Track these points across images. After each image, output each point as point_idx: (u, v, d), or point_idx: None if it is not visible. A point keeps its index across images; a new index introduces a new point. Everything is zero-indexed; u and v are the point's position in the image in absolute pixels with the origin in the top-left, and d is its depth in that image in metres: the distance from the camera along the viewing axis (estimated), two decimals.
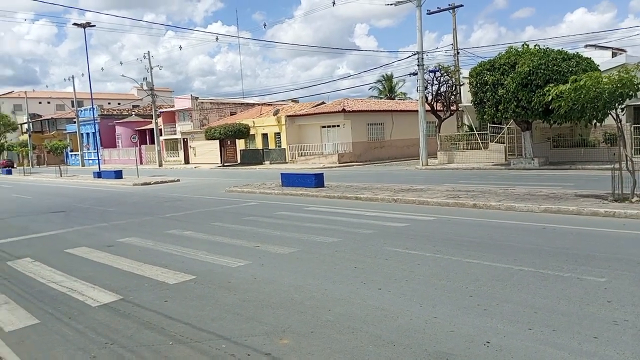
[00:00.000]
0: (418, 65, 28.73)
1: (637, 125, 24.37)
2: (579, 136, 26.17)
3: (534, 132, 25.75)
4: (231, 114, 51.14)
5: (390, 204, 13.65)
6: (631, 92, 10.90)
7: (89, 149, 60.21)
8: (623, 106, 11.76)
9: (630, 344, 4.17)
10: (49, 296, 6.40)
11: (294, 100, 51.92)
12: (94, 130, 52.24)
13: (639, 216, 9.78)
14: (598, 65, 22.98)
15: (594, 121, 11.90)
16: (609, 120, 12.13)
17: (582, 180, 17.35)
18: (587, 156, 25.14)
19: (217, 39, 61.18)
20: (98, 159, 40.62)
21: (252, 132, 41.35)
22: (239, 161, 42.81)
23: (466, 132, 31.55)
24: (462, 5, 33.42)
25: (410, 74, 30.73)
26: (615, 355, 4.00)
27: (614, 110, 11.46)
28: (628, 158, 11.50)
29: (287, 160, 39.16)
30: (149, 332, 5.00)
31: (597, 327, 4.55)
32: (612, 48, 35.07)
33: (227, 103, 52.75)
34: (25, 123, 68.31)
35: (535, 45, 23.51)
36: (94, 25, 39.23)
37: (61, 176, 35.65)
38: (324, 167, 32.44)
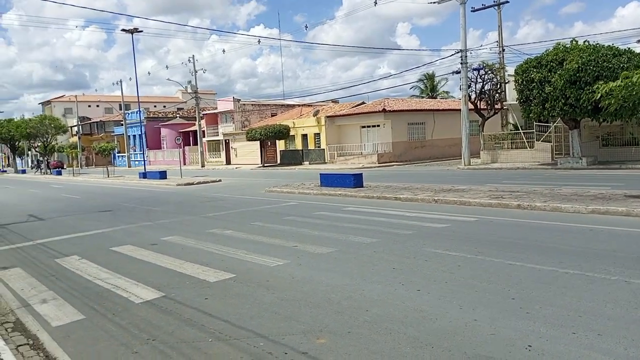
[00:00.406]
0: (461, 63, 28.26)
1: None
2: (630, 134, 25.12)
3: (582, 130, 24.89)
4: (272, 115, 51.67)
5: (430, 205, 13.46)
6: None
7: (135, 151, 62.04)
8: None
9: None
10: (95, 292, 6.62)
11: (334, 101, 52.01)
12: (140, 133, 53.85)
13: None
14: None
15: None
16: None
17: (632, 180, 16.64)
18: (637, 155, 24.09)
19: (259, 41, 61.70)
20: (144, 160, 41.77)
21: (292, 132, 41.64)
22: (278, 162, 43.18)
23: (511, 130, 30.80)
24: (507, 2, 32.61)
25: (453, 73, 30.32)
26: None
27: None
28: None
29: (326, 161, 39.22)
30: (190, 328, 5.10)
31: None
32: None
33: (268, 104, 53.32)
34: (75, 126, 71.06)
35: (584, 41, 22.74)
36: (141, 31, 40.32)
37: (108, 177, 36.85)
38: (363, 167, 32.31)
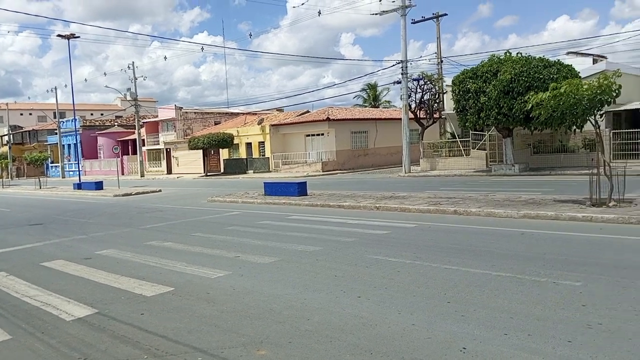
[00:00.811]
0: (402, 73, 28.98)
1: (616, 131, 24.81)
2: (559, 142, 26.55)
3: (515, 138, 26.06)
4: (215, 124, 51.01)
5: (372, 212, 13.67)
6: (610, 99, 11.08)
7: (69, 161, 59.54)
8: (602, 112, 11.96)
9: (603, 347, 4.20)
10: (23, 310, 6.27)
11: (279, 110, 52.03)
12: (75, 142, 51.77)
13: (615, 220, 9.91)
14: (579, 72, 23.40)
15: (574, 127, 12.07)
16: (588, 126, 12.32)
17: (561, 185, 17.56)
18: (566, 162, 25.49)
19: (202, 49, 61.03)
20: (79, 171, 40.16)
21: (236, 141, 41.27)
22: (222, 171, 42.65)
23: (448, 139, 31.84)
24: (446, 14, 33.85)
25: (394, 83, 31.03)
26: (588, 358, 4.02)
27: (592, 117, 11.65)
28: (606, 163, 11.68)
29: (270, 170, 39.10)
30: (124, 346, 4.92)
31: (572, 331, 4.58)
32: (593, 55, 35.66)
33: (212, 113, 52.62)
34: (6, 135, 67.41)
35: (517, 53, 23.87)
36: (78, 37, 38.95)
37: (40, 188, 35.12)
38: (307, 175, 32.43)
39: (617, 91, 11.03)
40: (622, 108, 25.44)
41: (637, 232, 8.96)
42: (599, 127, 12.02)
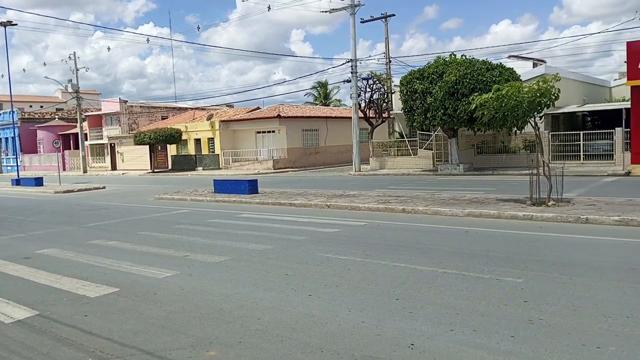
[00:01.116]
0: (352, 72, 29.24)
1: (554, 133, 26.00)
2: (501, 143, 27.55)
3: (460, 139, 26.83)
4: (162, 119, 49.78)
5: (323, 210, 13.75)
6: (549, 102, 11.59)
7: (7, 155, 56.64)
8: (541, 115, 12.49)
9: (544, 341, 4.40)
10: None
11: (229, 105, 51.32)
12: (13, 135, 49.29)
13: (554, 219, 10.40)
14: (520, 75, 24.35)
15: (514, 128, 12.55)
16: (529, 128, 12.84)
17: (503, 185, 18.24)
18: (508, 162, 26.49)
19: (148, 40, 59.16)
20: (17, 166, 38.23)
21: (184, 137, 40.43)
22: (170, 167, 41.71)
23: (397, 139, 32.41)
24: (394, 15, 34.32)
25: (344, 81, 31.30)
26: (530, 352, 4.21)
27: (532, 119, 12.15)
28: (545, 164, 12.21)
29: (220, 167, 38.58)
30: (67, 348, 4.75)
31: (514, 326, 4.78)
32: (533, 59, 37.22)
33: (159, 107, 51.30)
34: None
35: (462, 56, 24.56)
36: (15, 24, 36.98)
37: None
38: (258, 173, 32.23)
39: (556, 94, 11.55)
40: (560, 111, 26.68)
41: (575, 230, 9.44)
42: (538, 129, 12.56)
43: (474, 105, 12.39)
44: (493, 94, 11.69)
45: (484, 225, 10.24)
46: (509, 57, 36.05)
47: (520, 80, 21.29)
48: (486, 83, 21.96)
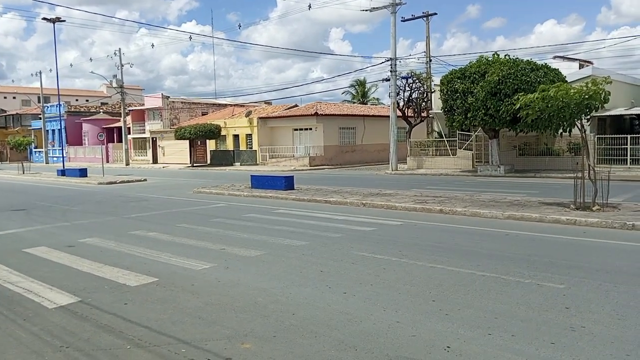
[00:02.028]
0: (391, 71, 29.01)
1: (600, 136, 25.13)
2: (544, 145, 26.81)
3: (501, 140, 26.26)
4: (202, 114, 50.61)
5: (358, 208, 13.69)
6: (598, 104, 11.20)
7: (53, 146, 58.71)
8: (588, 117, 12.08)
9: (585, 350, 4.25)
10: (4, 297, 6.18)
11: (267, 102, 51.80)
12: (59, 127, 50.99)
13: (599, 224, 10.05)
14: (565, 76, 23.64)
15: (560, 131, 12.18)
16: (574, 130, 12.43)
17: (546, 188, 17.75)
18: (551, 164, 25.76)
19: (190, 38, 60.54)
20: (63, 157, 39.61)
21: (223, 132, 41.00)
22: (208, 162, 42.37)
23: (435, 138, 31.97)
24: (435, 14, 33.94)
25: (383, 80, 31.07)
26: None
27: (579, 121, 11.76)
28: (590, 167, 11.81)
29: (257, 162, 38.95)
30: (107, 335, 4.87)
31: (555, 333, 4.63)
32: (579, 60, 36.03)
33: (199, 103, 52.18)
34: None
35: (505, 55, 24.01)
36: (64, 21, 38.36)
37: (24, 173, 34.63)
38: (294, 169, 32.38)
39: (605, 97, 11.14)
40: (607, 113, 25.76)
41: (620, 236, 9.10)
42: (584, 132, 12.16)
43: (518, 106, 12.08)
44: (539, 94, 11.36)
45: (525, 229, 9.99)
46: (554, 57, 35.04)
47: (566, 81, 20.69)
48: (530, 84, 21.42)
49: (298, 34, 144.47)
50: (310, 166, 34.87)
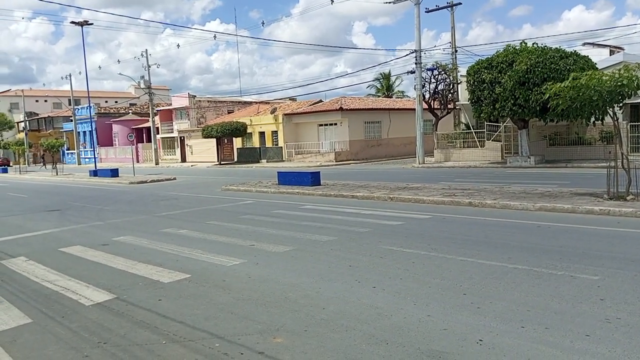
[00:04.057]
0: (416, 63, 28.73)
1: (634, 124, 24.45)
2: (575, 134, 26.23)
3: (531, 130, 25.79)
4: (228, 112, 51.09)
5: (386, 202, 13.65)
6: (631, 91, 10.90)
7: (85, 148, 60.10)
8: (621, 105, 11.78)
9: (621, 342, 4.17)
10: (43, 295, 6.39)
11: (292, 99, 51.89)
12: (90, 129, 52.19)
13: (633, 214, 9.80)
14: (595, 63, 23.04)
15: (592, 119, 11.89)
16: (606, 118, 12.13)
17: (577, 178, 17.38)
18: (583, 154, 25.20)
19: (215, 37, 60.91)
20: (94, 158, 40.54)
21: (249, 130, 41.31)
22: (235, 159, 42.76)
23: (463, 130, 31.57)
24: (460, 3, 33.36)
25: (407, 72, 30.77)
26: (607, 352, 4.00)
27: (612, 109, 11.47)
28: (624, 156, 11.52)
29: (284, 159, 39.14)
30: (143, 331, 4.99)
31: (590, 324, 4.56)
32: (609, 46, 35.09)
33: (225, 101, 52.69)
34: (22, 121, 68.16)
35: (533, 43, 23.54)
36: (91, 24, 39.10)
37: (57, 175, 35.57)
38: (320, 165, 32.42)
39: (639, 84, 10.83)
40: None
41: None
42: (617, 120, 11.85)
43: (548, 95, 11.85)
44: (570, 82, 11.11)
45: (557, 220, 9.81)
46: (584, 44, 34.17)
47: (597, 68, 20.18)
48: (560, 72, 20.97)
49: (320, 29, 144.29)
50: (336, 161, 34.86)
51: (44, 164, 34.91)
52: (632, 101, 23.08)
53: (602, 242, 7.85)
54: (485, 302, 5.27)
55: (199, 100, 50.13)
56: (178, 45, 75.17)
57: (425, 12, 34.11)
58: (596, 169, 19.58)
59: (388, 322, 4.88)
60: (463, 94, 30.13)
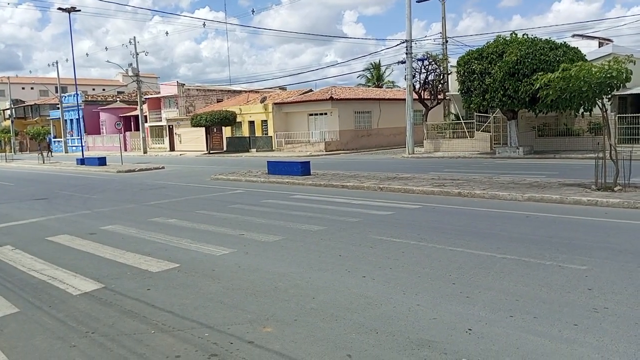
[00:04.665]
0: (406, 53, 28.68)
1: (621, 115, 24.64)
2: (564, 125, 26.40)
3: (520, 121, 25.90)
4: (218, 101, 50.73)
5: (376, 192, 13.66)
6: (619, 83, 10.96)
7: (72, 136, 59.44)
8: (609, 96, 11.84)
9: (609, 331, 4.21)
10: (30, 284, 6.31)
11: (282, 88, 51.65)
12: (77, 117, 51.55)
13: (620, 205, 9.90)
14: (585, 55, 23.13)
15: (581, 110, 11.95)
16: (594, 110, 12.20)
17: (566, 169, 17.51)
18: (571, 145, 25.38)
19: (204, 24, 60.26)
20: (82, 146, 40.09)
21: (238, 119, 41.08)
22: (225, 149, 42.56)
23: (452, 120, 31.63)
24: None
25: (398, 62, 30.76)
26: (594, 342, 4.04)
27: (600, 100, 11.53)
28: (612, 147, 11.61)
29: (273, 148, 39.01)
30: (131, 320, 4.96)
31: (578, 314, 4.60)
32: (598, 38, 35.24)
33: (214, 90, 52.31)
34: (8, 109, 67.21)
35: (523, 35, 23.56)
36: (79, 10, 38.53)
37: (44, 163, 35.17)
38: (310, 155, 32.37)
39: (627, 76, 10.89)
40: (628, 92, 25.21)
41: None
42: (605, 111, 11.93)
43: (538, 85, 11.88)
44: (560, 73, 11.14)
45: (546, 210, 9.88)
46: (573, 36, 34.28)
47: (586, 60, 20.25)
48: (549, 63, 21.03)
49: (310, 18, 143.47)
50: (326, 151, 34.82)
51: (41, 152, 34.65)
52: (621, 93, 23.27)
53: (590, 232, 7.92)
54: (474, 292, 5.30)
55: (188, 89, 49.72)
56: (167, 33, 74.58)
57: (417, 1, 33.85)
58: (584, 160, 19.73)
59: (378, 311, 4.89)
60: (453, 85, 30.15)
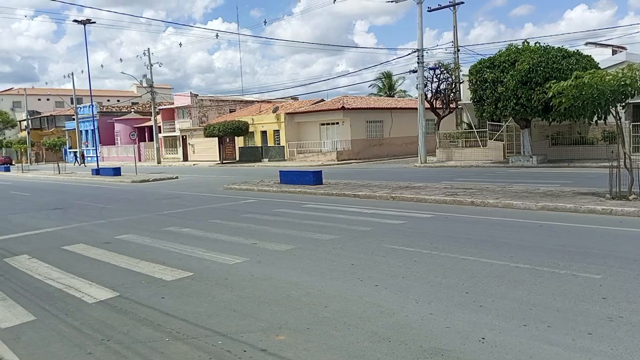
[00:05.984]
0: (418, 62, 28.72)
1: (636, 123, 24.40)
2: (578, 134, 26.20)
3: (533, 130, 25.76)
4: (230, 111, 51.12)
5: (388, 202, 13.65)
6: (634, 91, 10.88)
7: (87, 146, 60.17)
8: (624, 104, 11.76)
9: (624, 340, 4.18)
10: (46, 293, 6.41)
11: (293, 98, 51.93)
12: (92, 128, 52.18)
13: (636, 214, 9.79)
14: (598, 62, 22.99)
15: (595, 119, 11.87)
16: (608, 118, 12.12)
17: (580, 177, 17.36)
18: (585, 154, 25.17)
19: (217, 35, 60.98)
20: (97, 156, 40.56)
21: (251, 129, 41.33)
22: (237, 158, 42.79)
23: (465, 129, 31.54)
24: (462, 2, 33.37)
25: (409, 72, 30.79)
26: (609, 350, 4.01)
27: (614, 108, 11.46)
28: (626, 156, 11.51)
29: (285, 158, 39.15)
30: (145, 328, 5.01)
31: (592, 323, 4.56)
32: (612, 46, 35.00)
33: (226, 100, 52.72)
34: (24, 120, 68.27)
35: (535, 43, 23.50)
36: (94, 22, 39.13)
37: (59, 173, 35.63)
38: (322, 164, 32.43)
39: None
40: None
41: None
42: (620, 119, 11.84)
43: (551, 94, 11.83)
44: (573, 81, 11.09)
45: (560, 220, 9.81)
46: (586, 44, 34.08)
47: (599, 67, 20.13)
48: (562, 71, 20.94)
49: (321, 28, 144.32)
50: (338, 161, 34.86)
51: (76, 161, 35.44)
52: (635, 101, 23.04)
53: (604, 241, 7.85)
54: (487, 301, 5.28)
55: (201, 99, 50.17)
56: (180, 44, 75.46)
57: (428, 11, 34.02)
58: (598, 168, 19.56)
59: (390, 320, 4.89)
60: (465, 94, 30.11)
